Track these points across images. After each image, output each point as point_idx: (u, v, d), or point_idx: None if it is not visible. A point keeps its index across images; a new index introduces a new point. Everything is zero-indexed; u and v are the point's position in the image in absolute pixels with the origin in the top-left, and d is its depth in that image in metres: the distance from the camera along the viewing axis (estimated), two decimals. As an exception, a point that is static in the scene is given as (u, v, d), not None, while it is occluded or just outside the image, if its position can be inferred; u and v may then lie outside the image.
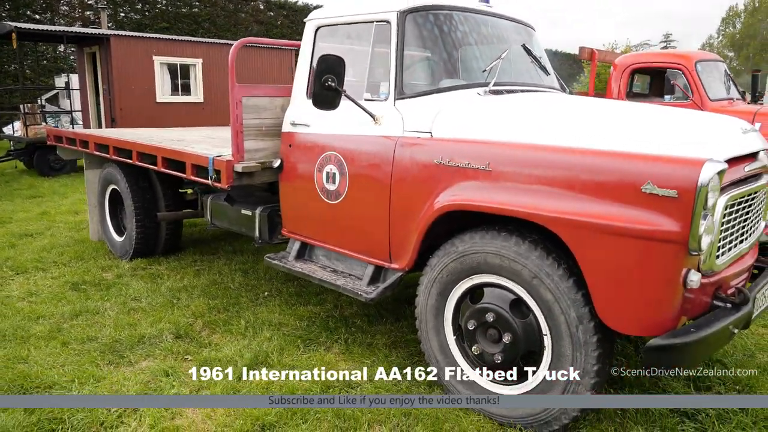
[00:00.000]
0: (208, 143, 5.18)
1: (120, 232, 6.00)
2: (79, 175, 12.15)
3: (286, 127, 3.81)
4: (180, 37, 13.34)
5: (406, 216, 3.07)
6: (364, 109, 3.18)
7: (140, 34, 13.22)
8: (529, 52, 3.73)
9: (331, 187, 3.45)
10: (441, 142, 2.95)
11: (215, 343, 3.77)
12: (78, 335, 3.87)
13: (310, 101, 3.62)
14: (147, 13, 25.92)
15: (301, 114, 3.70)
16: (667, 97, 6.37)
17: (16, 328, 3.97)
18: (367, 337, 3.86)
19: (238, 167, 3.78)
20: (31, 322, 4.11)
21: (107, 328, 3.98)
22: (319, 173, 3.52)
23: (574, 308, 2.52)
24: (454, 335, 3.00)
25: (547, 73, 3.85)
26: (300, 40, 3.84)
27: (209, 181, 3.97)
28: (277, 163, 3.82)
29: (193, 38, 13.62)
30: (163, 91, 13.24)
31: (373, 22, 3.30)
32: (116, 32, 12.69)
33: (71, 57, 24.03)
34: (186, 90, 13.64)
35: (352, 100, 3.15)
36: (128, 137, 5.51)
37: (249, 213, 4.21)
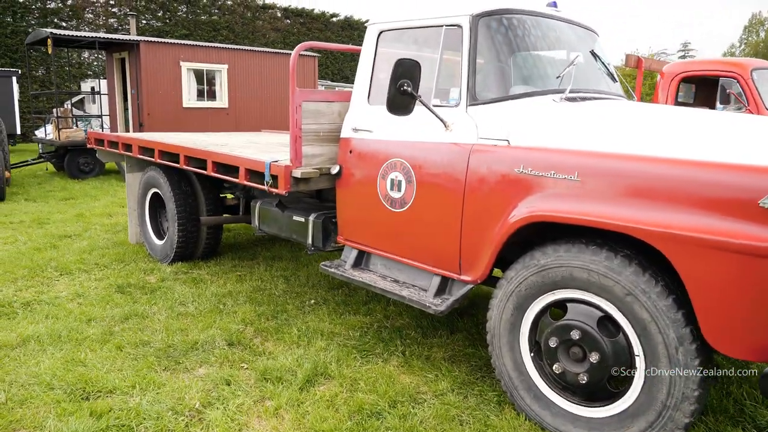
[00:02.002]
0: (253, 148, 5.03)
1: (160, 236, 5.86)
2: (108, 178, 12.08)
3: (345, 133, 3.65)
4: (207, 44, 13.27)
5: (480, 226, 2.90)
6: (436, 116, 3.02)
7: (169, 41, 13.15)
8: (597, 58, 3.56)
9: (396, 195, 3.29)
10: (521, 150, 2.77)
11: (269, 352, 3.60)
12: (131, 339, 3.71)
13: (373, 107, 3.47)
14: (168, 21, 25.98)
15: (362, 120, 3.54)
16: (720, 106, 6.10)
17: (70, 330, 3.83)
18: (424, 350, 3.68)
19: (297, 173, 3.62)
20: (84, 324, 3.97)
21: (159, 333, 3.82)
22: (383, 180, 3.35)
23: (673, 328, 2.33)
24: (530, 352, 2.82)
25: (614, 80, 3.67)
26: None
27: (265, 187, 3.82)
28: (335, 170, 3.66)
29: (219, 45, 13.54)
30: (189, 97, 13.17)
31: (442, 26, 3.14)
32: (146, 38, 12.63)
33: (95, 63, 24.12)
34: (211, 96, 13.56)
35: (426, 106, 2.98)
36: (174, 141, 5.37)
37: (302, 219, 4.05)
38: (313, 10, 30.22)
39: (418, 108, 3.01)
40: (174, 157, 5.12)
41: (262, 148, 5.05)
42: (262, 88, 14.08)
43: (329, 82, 25.91)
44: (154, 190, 5.79)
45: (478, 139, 2.95)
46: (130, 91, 13.08)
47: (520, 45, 3.23)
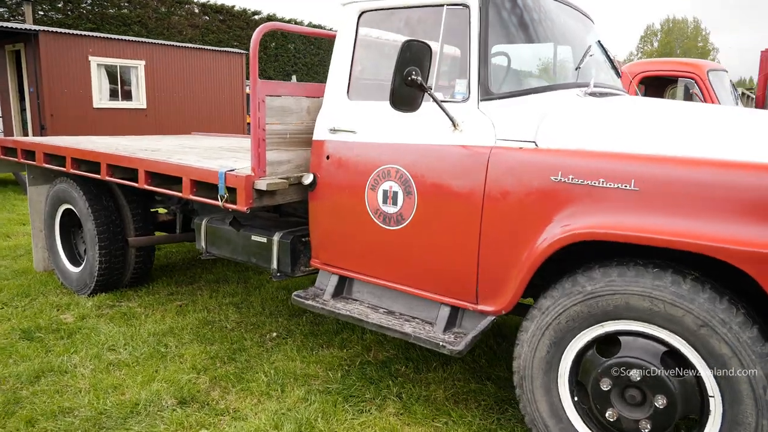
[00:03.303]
0: (194, 154, 4.35)
1: (75, 262, 5.02)
2: (4, 189, 10.73)
3: (320, 135, 3.09)
4: (121, 37, 12.15)
5: (505, 246, 2.44)
6: (446, 113, 2.53)
7: (74, 32, 11.92)
8: (604, 49, 3.20)
9: (391, 210, 2.77)
10: (556, 154, 2.33)
11: (234, 409, 2.97)
12: (46, 407, 2.96)
13: (354, 102, 2.95)
14: (70, 13, 24.03)
15: (342, 118, 3.00)
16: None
17: (-41, 402, 3.02)
18: (421, 389, 3.18)
19: (261, 184, 3.02)
20: (-22, 390, 3.16)
21: (85, 394, 3.09)
22: (373, 192, 2.83)
23: (761, 364, 1.97)
24: (572, 396, 2.38)
25: (618, 74, 3.34)
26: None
27: (219, 202, 3.18)
28: (309, 180, 3.09)
29: (135, 38, 12.46)
30: (101, 96, 12.00)
31: (443, 5, 2.66)
32: (47, 28, 11.37)
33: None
34: (127, 95, 12.45)
35: (436, 101, 2.49)
36: (92, 146, 4.58)
37: (263, 240, 3.44)
38: (233, 6, 29.04)
39: (425, 103, 2.51)
40: (93, 166, 4.34)
41: (205, 154, 4.38)
42: (186, 87, 13.10)
43: (254, 82, 24.87)
44: (66, 206, 4.94)
45: (496, 141, 2.49)
46: (27, 89, 11.73)
47: (537, 30, 2.82)
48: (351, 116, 2.97)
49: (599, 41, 3.17)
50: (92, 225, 4.57)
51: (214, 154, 4.36)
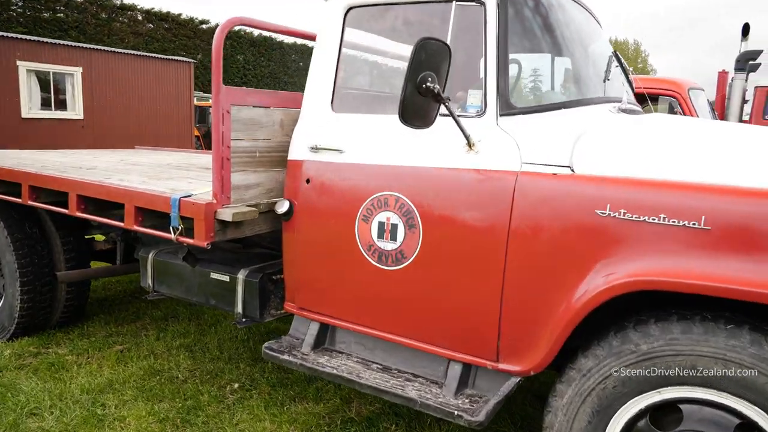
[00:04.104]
0: (138, 173, 3.77)
1: (-7, 298, 4.31)
2: None
3: (298, 153, 2.61)
4: (54, 40, 11.28)
5: (536, 294, 2.02)
6: (462, 130, 2.10)
7: (0, 34, 10.98)
8: (619, 59, 2.86)
9: (389, 246, 2.31)
10: (602, 183, 1.93)
11: (191, 492, 2.42)
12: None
13: (341, 115, 2.50)
14: (-1, 16, 22.66)
15: (325, 134, 2.53)
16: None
17: None
18: (417, 457, 2.71)
19: (225, 214, 2.50)
20: None
21: (-3, 479, 2.47)
22: (365, 224, 2.36)
23: None
24: (619, 477, 1.97)
25: (632, 88, 3.00)
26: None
27: (171, 236, 2.64)
28: (283, 207, 2.60)
29: (70, 43, 11.60)
30: (30, 105, 11.08)
31: (452, 1, 2.24)
32: (-31, 31, 10.40)
33: None
34: (61, 104, 11.55)
35: (452, 114, 2.05)
36: (12, 163, 3.93)
37: (225, 278, 2.91)
38: (180, 15, 28.10)
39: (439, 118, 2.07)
40: (12, 187, 3.70)
41: (151, 173, 3.81)
42: (129, 97, 12.28)
43: (201, 94, 24.05)
44: (-17, 233, 4.24)
45: (522, 165, 2.07)
46: (-54, 97, 10.70)
47: (560, 34, 2.44)
48: (337, 132, 2.50)
49: (615, 52, 2.83)
50: (12, 257, 3.90)
51: (163, 173, 3.80)
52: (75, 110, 11.62)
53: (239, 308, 2.86)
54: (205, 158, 5.42)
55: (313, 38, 2.84)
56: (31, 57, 10.93)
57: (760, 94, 7.55)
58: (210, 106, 17.52)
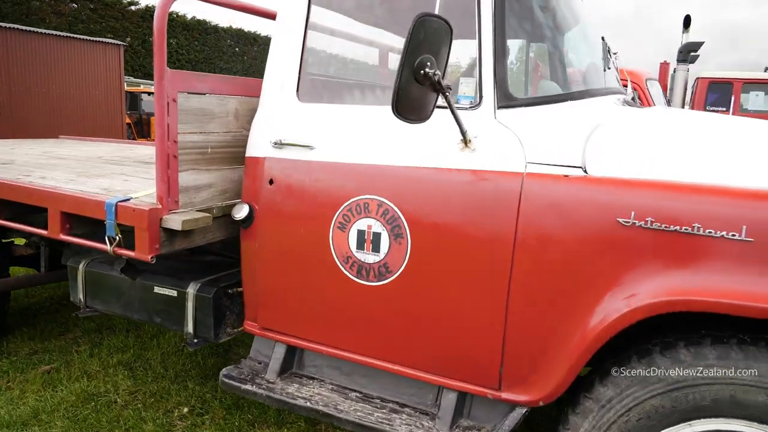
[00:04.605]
0: (64, 168, 3.24)
1: None
2: None
3: (258, 150, 2.20)
4: (-36, 20, 10.09)
5: (546, 315, 1.73)
6: (459, 124, 1.77)
7: None
8: (606, 46, 2.61)
9: (370, 258, 1.96)
10: (623, 186, 1.65)
11: None
12: None
13: (308, 105, 2.12)
14: None
15: (292, 128, 2.14)
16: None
17: None
18: (398, 487, 2.39)
19: (173, 221, 2.08)
20: None
21: None
22: (341, 232, 2.00)
23: None
24: None
25: (619, 78, 2.76)
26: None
27: (107, 248, 2.19)
28: (242, 213, 2.19)
29: (-17, 22, 10.43)
30: (-61, 90, 9.91)
31: (438, -25, 1.89)
32: None
33: None
34: (-27, 90, 10.40)
35: (450, 106, 1.71)
36: None
37: (172, 293, 2.47)
38: (108, -7, 26.31)
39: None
40: None
41: (80, 168, 3.28)
42: (52, 81, 11.22)
43: (132, 79, 22.63)
44: None
45: (527, 165, 1.77)
46: None
47: (566, 15, 2.14)
48: (304, 125, 2.12)
49: (603, 37, 2.57)
50: None
51: (94, 169, 3.28)
52: (-9, 95, 10.49)
53: (190, 328, 2.43)
54: (141, 150, 4.86)
55: (272, 16, 2.43)
56: (-64, 36, 9.76)
57: (701, 85, 7.67)
58: (143, 92, 16.47)
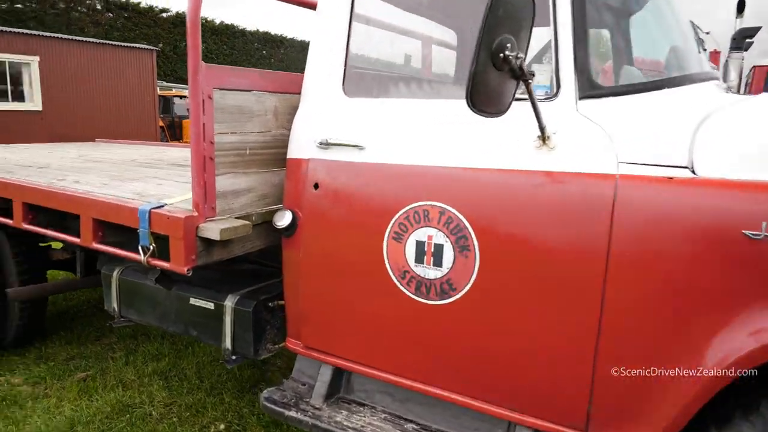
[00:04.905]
0: (98, 172, 3.00)
1: (-69, 319, 3.48)
2: None
3: (301, 151, 1.92)
4: (8, 28, 10.05)
5: (648, 345, 1.40)
6: (538, 119, 1.45)
7: (-52, 21, 9.70)
8: (694, 24, 2.23)
9: (431, 273, 1.66)
10: (746, 191, 1.32)
11: None
12: None
13: (356, 101, 1.82)
14: (-46, 6, 20.81)
15: (339, 126, 1.85)
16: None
17: None
18: None
19: (211, 230, 1.80)
20: None
21: None
22: (397, 243, 1.70)
23: None
24: None
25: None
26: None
27: (140, 258, 1.92)
28: (284, 220, 1.91)
29: (26, 31, 10.37)
30: (-15, 96, 9.87)
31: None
32: None
33: None
34: (19, 96, 10.34)
35: (531, 97, 1.39)
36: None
37: (209, 306, 2.20)
38: (139, 3, 26.40)
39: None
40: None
41: (113, 172, 3.04)
42: (89, 87, 11.13)
43: (164, 83, 22.65)
44: None
45: (619, 166, 1.44)
46: None
47: None
48: (353, 123, 1.82)
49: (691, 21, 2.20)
50: (-49, 271, 3.09)
51: (128, 172, 3.04)
52: (33, 101, 10.44)
53: (227, 343, 2.16)
54: (174, 152, 4.63)
55: (312, 6, 2.14)
56: (-17, 45, 9.71)
57: (759, 74, 7.09)
58: (175, 96, 16.39)
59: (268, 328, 2.18)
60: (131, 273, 2.48)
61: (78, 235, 2.21)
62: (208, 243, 1.85)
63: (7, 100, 10.23)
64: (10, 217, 2.56)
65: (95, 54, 11.23)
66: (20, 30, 10.18)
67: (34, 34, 10.47)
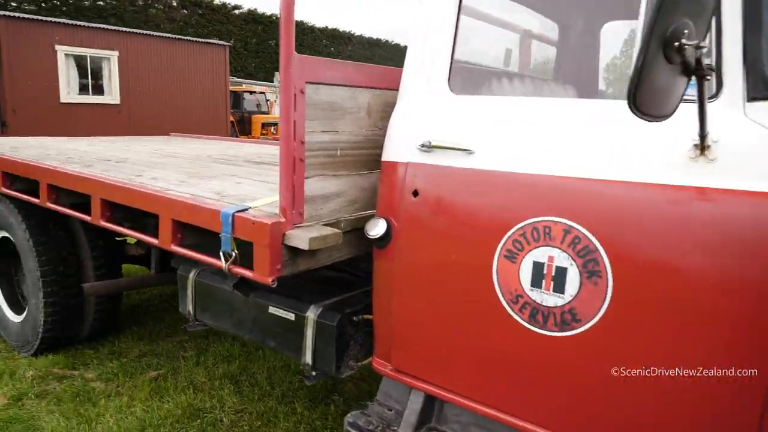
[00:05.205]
0: (175, 168, 2.95)
1: (17, 307, 3.57)
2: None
3: (399, 153, 1.74)
4: (90, 24, 10.50)
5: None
6: (702, 122, 1.20)
7: (39, 18, 10.24)
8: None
9: (550, 300, 1.44)
10: None
11: None
12: None
13: (464, 98, 1.61)
14: (43, 5, 22.14)
15: (444, 126, 1.65)
16: None
17: None
18: None
19: (299, 238, 1.65)
20: None
21: None
22: (510, 264, 1.49)
23: None
24: None
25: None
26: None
27: (221, 263, 1.80)
28: (378, 229, 1.73)
29: (106, 26, 10.81)
30: (69, 89, 10.36)
31: None
32: (7, 13, 9.68)
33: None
34: (98, 89, 10.81)
35: (700, 97, 1.15)
36: (32, 156, 3.14)
37: (289, 316, 2.07)
38: (213, 0, 27.25)
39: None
40: (32, 184, 2.92)
41: (190, 168, 2.98)
42: (164, 81, 11.50)
43: (235, 79, 23.25)
44: (2, 234, 3.49)
45: (804, 182, 1.17)
46: (-13, 81, 10.03)
47: None
48: (461, 123, 1.62)
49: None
50: (34, 263, 3.14)
51: (204, 169, 2.97)
52: (112, 95, 10.88)
53: (308, 358, 2.02)
54: (248, 148, 4.59)
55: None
56: (68, 41, 10.19)
57: None
58: (245, 92, 16.73)
59: (351, 343, 2.02)
60: (208, 276, 2.39)
61: (155, 235, 2.13)
62: (294, 252, 1.70)
63: (88, 94, 10.71)
64: (87, 212, 2.53)
65: (171, 49, 11.58)
66: (101, 25, 10.62)
67: (114, 30, 10.90)
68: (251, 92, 17.49)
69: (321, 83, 1.70)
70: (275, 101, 18.64)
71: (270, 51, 27.98)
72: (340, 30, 30.58)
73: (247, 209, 1.79)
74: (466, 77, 1.70)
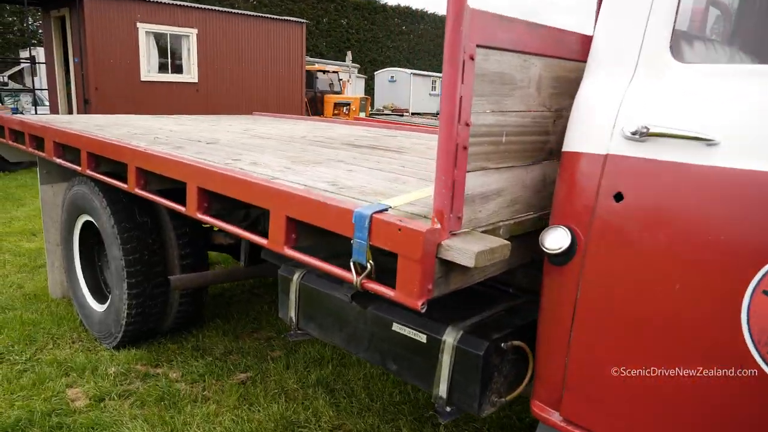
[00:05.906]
0: (273, 151, 2.65)
1: (101, 296, 3.44)
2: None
3: (592, 142, 1.32)
4: (171, 1, 10.55)
5: None
6: None
7: (121, -5, 10.37)
8: None
9: None
10: None
11: None
12: None
13: (697, 68, 1.15)
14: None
15: (666, 105, 1.22)
16: None
17: None
18: None
19: (461, 252, 1.27)
20: None
21: None
22: (777, 301, 1.05)
23: None
24: None
25: None
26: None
27: (351, 278, 1.46)
28: (561, 243, 1.33)
29: (186, 3, 10.84)
30: (149, 68, 10.49)
31: None
32: (91, -9, 9.84)
33: (40, 30, 20.64)
34: (177, 68, 10.90)
35: None
36: (118, 135, 2.95)
37: (420, 338, 1.71)
38: (287, -21, 27.32)
39: None
40: (119, 166, 2.70)
41: (290, 152, 2.67)
42: (242, 60, 11.46)
43: (308, 58, 23.15)
44: (86, 218, 3.35)
45: None
46: (72, 59, 10.31)
47: None
48: (693, 103, 1.19)
49: None
50: (119, 251, 2.95)
51: (304, 153, 2.66)
52: (190, 73, 10.94)
53: (442, 390, 1.66)
54: (339, 129, 4.28)
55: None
56: (149, 18, 10.29)
57: None
58: (318, 71, 16.57)
59: (495, 375, 1.65)
60: (315, 279, 2.07)
61: (264, 234, 1.82)
62: (447, 267, 1.34)
63: (168, 72, 10.82)
64: (179, 200, 2.27)
65: (249, 26, 11.51)
66: (180, 2, 10.66)
67: (194, 7, 10.91)
68: (324, 71, 17.31)
69: (492, 47, 1.31)
70: (348, 81, 18.40)
71: (341, 30, 27.83)
72: (413, 8, 29.95)
73: (386, 209, 1.43)
74: (701, 39, 1.26)
